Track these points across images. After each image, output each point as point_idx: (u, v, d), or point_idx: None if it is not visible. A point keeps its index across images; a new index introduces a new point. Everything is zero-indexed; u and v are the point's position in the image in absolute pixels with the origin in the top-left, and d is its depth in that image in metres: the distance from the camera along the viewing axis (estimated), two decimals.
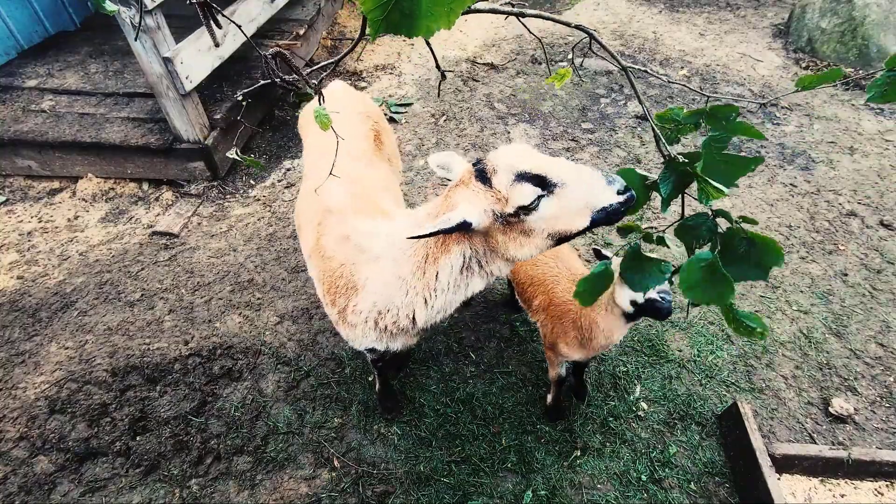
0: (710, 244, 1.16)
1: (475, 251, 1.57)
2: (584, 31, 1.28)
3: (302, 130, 2.69)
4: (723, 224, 1.16)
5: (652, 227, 1.33)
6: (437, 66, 1.38)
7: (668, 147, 1.20)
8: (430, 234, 1.43)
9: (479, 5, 1.26)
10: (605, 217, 1.41)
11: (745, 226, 1.11)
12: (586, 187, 1.40)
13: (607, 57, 1.29)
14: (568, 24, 1.36)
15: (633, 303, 1.87)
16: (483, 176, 1.46)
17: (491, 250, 1.57)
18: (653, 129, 1.24)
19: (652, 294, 1.80)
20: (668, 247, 1.30)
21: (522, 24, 1.38)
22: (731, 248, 1.12)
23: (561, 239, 1.50)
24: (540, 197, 1.40)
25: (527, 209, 1.40)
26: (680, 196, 1.24)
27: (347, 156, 2.30)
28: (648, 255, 1.32)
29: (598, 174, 1.41)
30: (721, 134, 1.16)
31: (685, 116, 1.22)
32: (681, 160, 1.16)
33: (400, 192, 2.44)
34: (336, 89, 2.74)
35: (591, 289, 1.36)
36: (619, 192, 1.38)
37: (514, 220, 1.45)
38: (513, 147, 1.54)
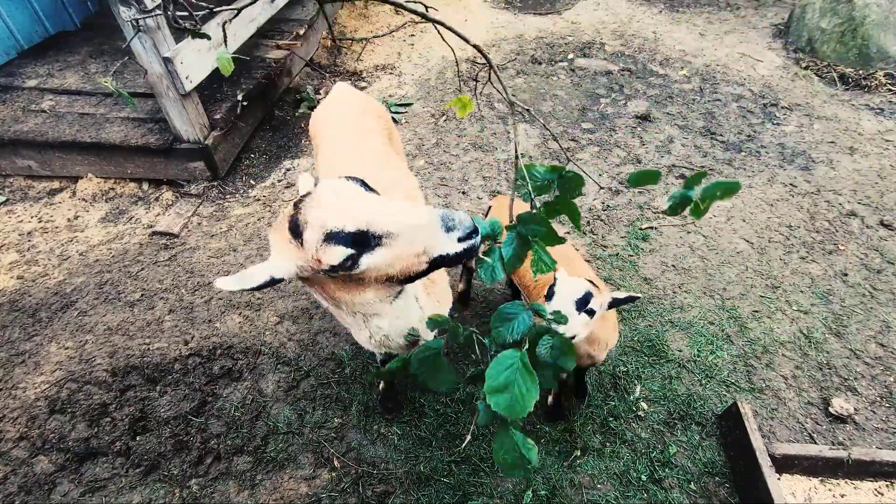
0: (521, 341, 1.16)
1: (323, 294, 1.44)
2: (483, 56, 1.27)
3: (314, 131, 2.64)
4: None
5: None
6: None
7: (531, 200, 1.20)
8: (237, 290, 1.32)
9: None
10: (446, 262, 1.27)
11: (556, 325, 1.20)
12: (420, 237, 1.22)
13: (500, 90, 1.21)
14: (466, 41, 1.33)
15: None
16: (295, 228, 1.25)
17: (332, 296, 1.42)
18: (513, 181, 1.25)
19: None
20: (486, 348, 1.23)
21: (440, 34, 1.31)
22: (536, 346, 1.16)
23: (407, 279, 1.33)
24: (358, 254, 1.23)
25: (342, 267, 1.24)
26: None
27: (368, 155, 2.28)
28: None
29: (435, 221, 1.21)
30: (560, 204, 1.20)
31: (545, 172, 1.21)
32: (537, 214, 1.15)
33: (419, 192, 2.40)
34: (341, 90, 2.74)
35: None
36: (459, 240, 1.21)
37: (336, 274, 1.29)
38: (334, 189, 1.27)
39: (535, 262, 1.15)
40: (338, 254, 1.20)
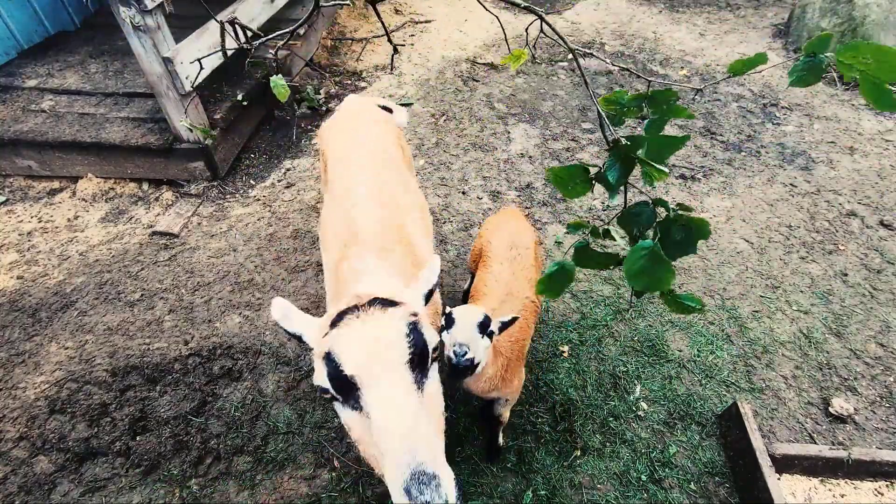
0: (651, 232, 1.21)
1: None
2: (534, 13, 1.27)
3: (323, 140, 2.59)
4: (661, 212, 1.23)
5: (600, 221, 1.32)
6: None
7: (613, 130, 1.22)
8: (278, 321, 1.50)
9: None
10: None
11: (683, 212, 1.16)
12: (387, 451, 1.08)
13: (556, 31, 1.19)
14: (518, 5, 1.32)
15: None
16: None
17: None
18: (598, 113, 1.25)
19: (448, 352, 1.70)
20: (615, 239, 1.30)
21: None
22: (670, 235, 1.18)
23: None
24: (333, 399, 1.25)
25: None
26: (623, 185, 1.27)
27: (380, 166, 2.22)
28: (597, 249, 1.35)
29: (403, 459, 1.03)
30: (660, 117, 1.20)
31: (629, 100, 1.24)
32: (625, 142, 1.18)
33: (428, 214, 2.36)
34: (352, 101, 2.71)
35: (553, 286, 1.36)
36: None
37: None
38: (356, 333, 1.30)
39: (646, 174, 1.18)
40: (324, 383, 1.30)
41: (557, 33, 1.25)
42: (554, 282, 1.34)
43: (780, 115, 4.81)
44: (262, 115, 4.72)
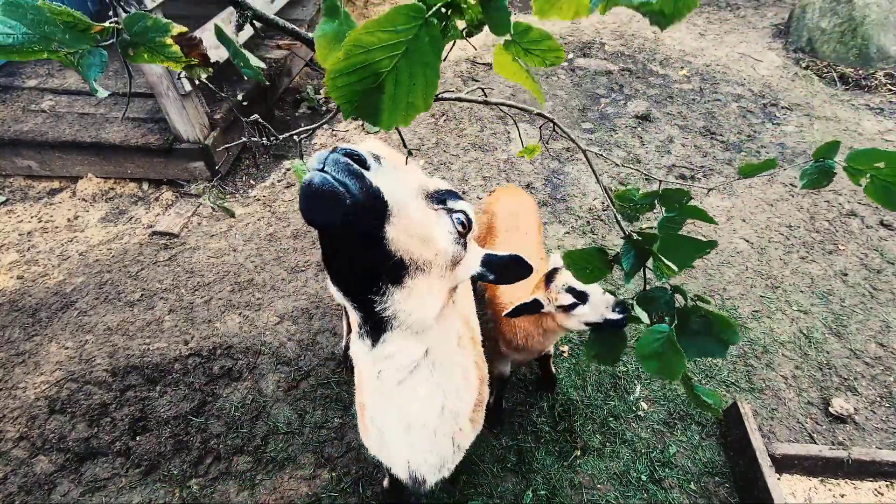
0: (668, 318, 1.20)
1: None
2: (545, 118, 1.27)
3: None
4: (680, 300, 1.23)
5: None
6: (405, 146, 1.24)
7: (629, 224, 1.25)
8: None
9: (445, 95, 1.22)
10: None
11: (700, 304, 1.15)
12: None
13: (567, 133, 1.25)
14: (530, 112, 1.33)
15: (588, 323, 1.89)
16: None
17: None
18: (613, 208, 1.26)
19: (610, 315, 1.82)
20: (638, 317, 1.28)
21: (490, 103, 1.32)
22: (687, 323, 1.17)
23: None
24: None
25: None
26: (642, 268, 1.26)
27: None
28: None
29: None
30: (676, 215, 1.19)
31: (640, 197, 1.24)
32: (636, 238, 1.19)
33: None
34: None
35: (586, 267, 1.33)
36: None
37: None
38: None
39: (657, 268, 1.19)
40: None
41: (567, 134, 1.26)
42: (608, 348, 1.33)
43: (780, 115, 4.81)
44: (262, 116, 4.72)
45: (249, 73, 1.03)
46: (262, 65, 1.06)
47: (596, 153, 1.31)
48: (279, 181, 4.17)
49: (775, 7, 6.65)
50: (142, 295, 3.28)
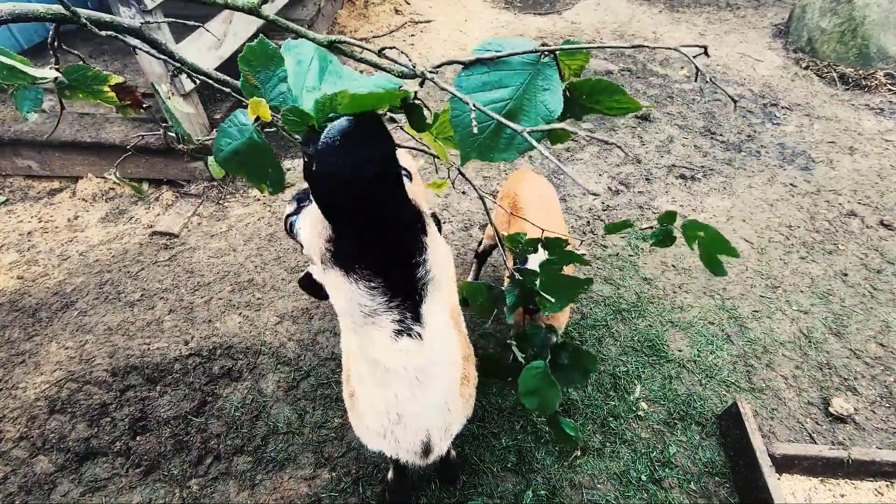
0: (542, 355, 1.37)
1: None
2: (459, 172, 1.46)
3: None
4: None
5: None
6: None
7: (517, 263, 1.44)
8: None
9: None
10: None
11: (568, 341, 1.37)
12: None
13: (470, 182, 1.31)
14: (426, 152, 1.44)
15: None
16: None
17: None
18: (501, 248, 1.46)
19: None
20: (519, 360, 1.41)
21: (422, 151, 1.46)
22: (557, 358, 1.34)
23: None
24: None
25: None
26: (523, 303, 1.42)
27: None
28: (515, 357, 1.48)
29: None
30: (554, 259, 1.37)
31: (526, 241, 1.43)
32: (518, 278, 1.37)
33: None
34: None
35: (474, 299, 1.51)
36: None
37: None
38: None
39: (540, 301, 1.35)
40: None
41: (471, 182, 1.52)
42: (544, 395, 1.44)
43: (780, 115, 4.81)
44: None
45: (180, 131, 1.15)
46: (190, 109, 1.17)
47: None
48: None
49: (775, 7, 6.65)
50: (142, 295, 3.28)
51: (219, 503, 2.38)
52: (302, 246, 1.35)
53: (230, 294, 3.28)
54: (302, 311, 3.16)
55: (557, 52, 0.76)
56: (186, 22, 1.26)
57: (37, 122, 3.95)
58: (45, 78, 0.85)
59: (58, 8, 0.83)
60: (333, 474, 2.46)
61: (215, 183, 4.10)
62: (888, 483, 2.30)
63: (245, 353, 2.94)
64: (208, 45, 3.67)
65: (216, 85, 0.94)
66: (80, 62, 0.92)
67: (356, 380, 1.52)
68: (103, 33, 0.86)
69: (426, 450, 1.55)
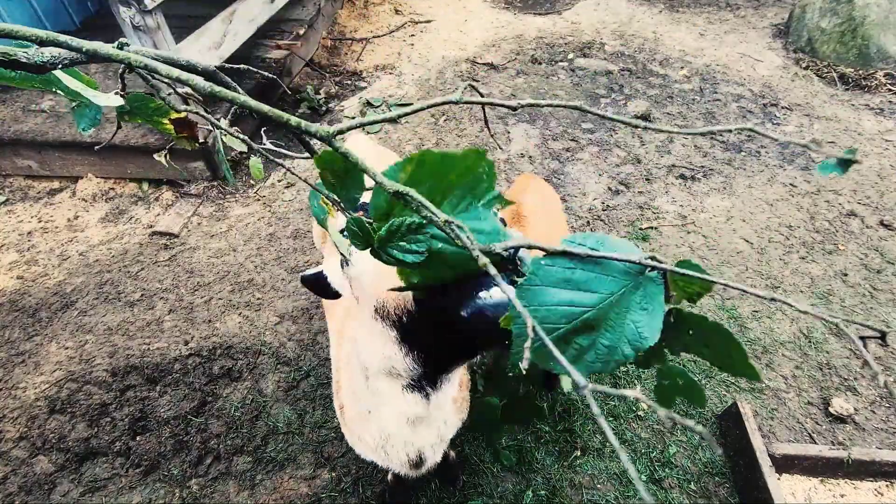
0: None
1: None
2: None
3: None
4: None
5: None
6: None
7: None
8: None
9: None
10: None
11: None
12: None
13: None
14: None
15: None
16: None
17: None
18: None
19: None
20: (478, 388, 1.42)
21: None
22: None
23: None
24: None
25: None
26: None
27: None
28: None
29: None
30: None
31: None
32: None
33: None
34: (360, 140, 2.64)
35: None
36: None
37: None
38: None
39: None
40: None
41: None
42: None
43: (780, 115, 4.81)
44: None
45: (228, 175, 1.09)
46: (242, 147, 1.10)
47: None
48: (279, 181, 4.17)
49: (775, 7, 6.65)
50: (142, 295, 3.28)
51: (219, 503, 2.38)
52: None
53: (230, 294, 3.28)
54: (302, 311, 3.16)
55: (668, 271, 0.62)
56: None
57: (37, 122, 3.95)
58: (109, 105, 0.84)
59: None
60: (333, 474, 2.46)
61: (215, 183, 4.10)
62: (888, 483, 2.30)
63: (245, 353, 2.94)
64: (208, 46, 3.67)
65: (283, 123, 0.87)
66: (145, 93, 0.90)
67: (348, 397, 1.52)
68: (175, 81, 0.73)
69: (418, 463, 1.55)
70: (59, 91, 0.78)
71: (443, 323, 0.95)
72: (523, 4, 6.92)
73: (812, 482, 2.31)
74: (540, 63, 5.62)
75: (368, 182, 0.71)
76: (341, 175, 0.75)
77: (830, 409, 2.64)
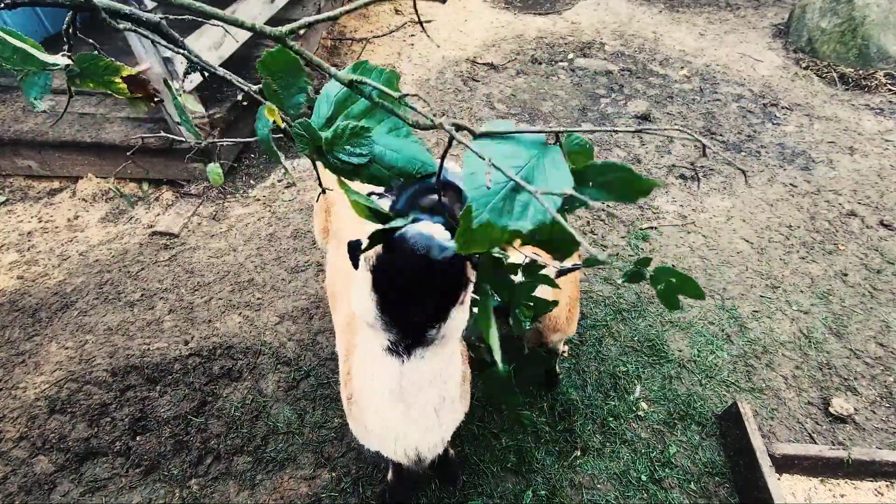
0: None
1: None
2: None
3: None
4: None
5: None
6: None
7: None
8: None
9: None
10: None
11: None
12: None
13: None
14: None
15: None
16: None
17: None
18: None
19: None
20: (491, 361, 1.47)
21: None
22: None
23: None
24: None
25: None
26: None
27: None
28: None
29: None
30: (530, 280, 1.42)
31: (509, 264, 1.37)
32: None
33: None
34: None
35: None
36: None
37: None
38: None
39: (519, 314, 1.46)
40: None
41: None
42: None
43: (780, 115, 4.81)
44: None
45: (190, 130, 1.10)
46: (201, 109, 1.12)
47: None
48: (279, 181, 4.17)
49: (775, 7, 6.65)
50: (142, 295, 3.28)
51: (219, 503, 2.38)
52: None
53: (230, 294, 3.28)
54: (302, 311, 3.16)
55: (562, 141, 0.79)
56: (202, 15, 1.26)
57: (37, 122, 3.95)
58: (57, 64, 0.84)
59: None
60: (333, 474, 2.46)
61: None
62: (888, 483, 2.30)
63: (245, 353, 2.94)
64: (208, 46, 3.67)
65: (238, 84, 0.90)
66: (94, 51, 0.90)
67: (358, 377, 1.53)
68: (120, 25, 0.83)
69: (418, 459, 1.56)
70: (2, 58, 0.78)
71: (396, 267, 0.99)
72: (523, 4, 6.92)
73: (812, 482, 2.31)
74: (540, 63, 5.63)
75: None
76: (283, 75, 0.84)
77: (830, 409, 2.64)
